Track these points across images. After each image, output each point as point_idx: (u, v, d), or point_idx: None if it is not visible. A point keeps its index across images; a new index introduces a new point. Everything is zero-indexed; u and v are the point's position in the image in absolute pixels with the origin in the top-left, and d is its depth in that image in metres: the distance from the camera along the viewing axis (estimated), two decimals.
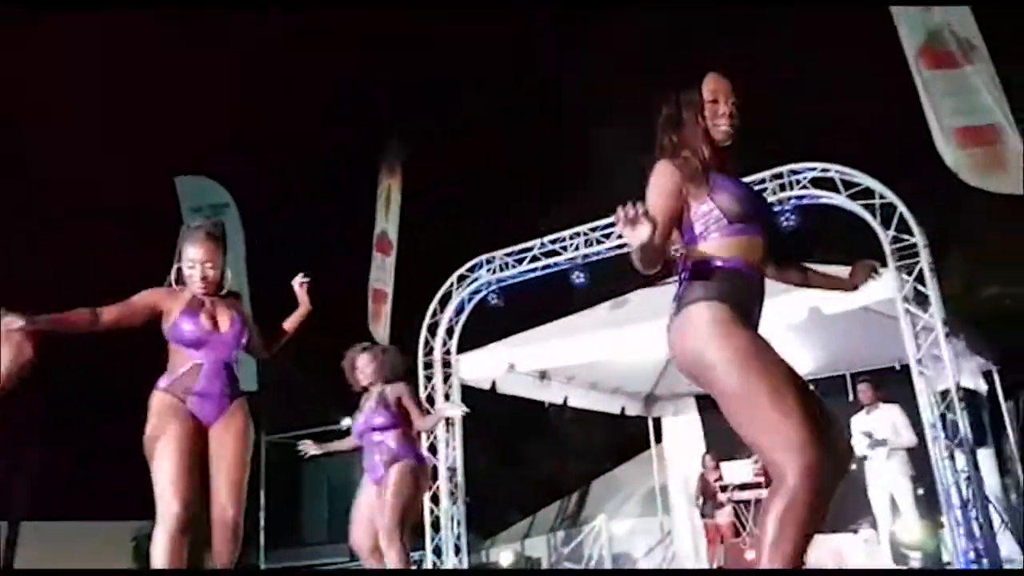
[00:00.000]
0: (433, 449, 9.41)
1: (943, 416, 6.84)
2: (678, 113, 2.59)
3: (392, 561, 4.69)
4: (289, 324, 3.96)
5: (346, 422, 12.40)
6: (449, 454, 9.38)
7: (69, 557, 15.74)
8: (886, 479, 7.56)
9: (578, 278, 8.89)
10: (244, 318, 3.62)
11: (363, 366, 5.12)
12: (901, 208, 7.15)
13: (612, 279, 10.87)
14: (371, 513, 4.91)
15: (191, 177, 12.33)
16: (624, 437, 14.11)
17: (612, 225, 8.71)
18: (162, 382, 3.45)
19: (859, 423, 7.81)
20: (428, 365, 9.61)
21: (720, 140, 2.58)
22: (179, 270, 3.56)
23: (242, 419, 3.49)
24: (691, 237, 2.51)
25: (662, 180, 2.48)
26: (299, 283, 4.03)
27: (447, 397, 9.51)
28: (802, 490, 2.18)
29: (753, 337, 2.35)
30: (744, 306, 2.40)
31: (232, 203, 12.78)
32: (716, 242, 2.46)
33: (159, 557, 3.15)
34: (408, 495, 4.81)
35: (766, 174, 7.86)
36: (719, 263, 2.44)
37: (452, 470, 9.35)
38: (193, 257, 3.52)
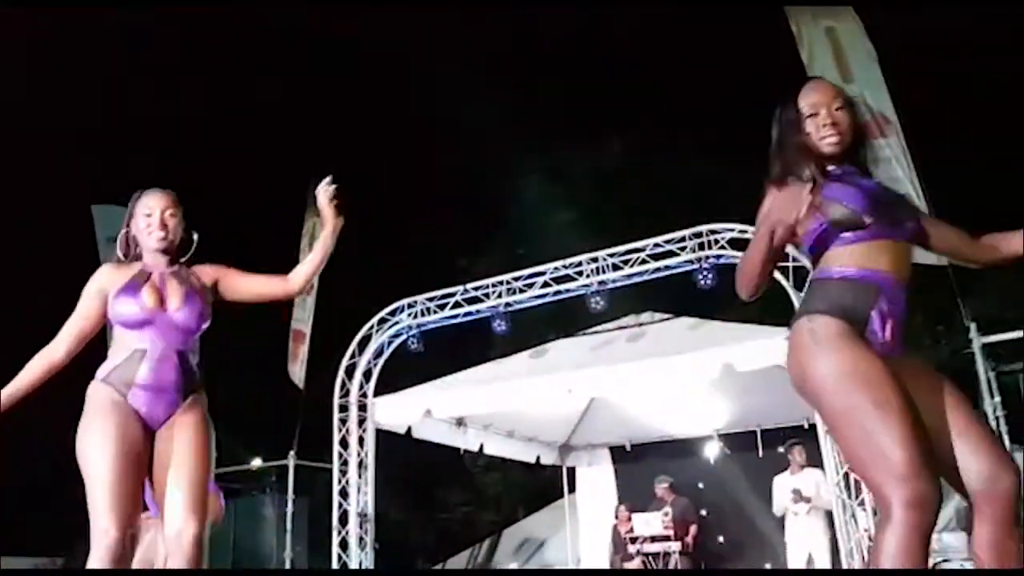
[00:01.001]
0: (344, 493, 9.24)
1: (847, 475, 7.05)
2: (780, 134, 2.43)
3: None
4: (320, 247, 3.08)
5: (256, 462, 12.10)
6: (360, 499, 9.22)
7: None
8: (806, 537, 7.78)
9: (499, 326, 8.92)
10: (202, 289, 2.95)
11: None
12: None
13: (533, 328, 10.97)
14: None
15: (107, 206, 11.95)
16: (538, 486, 14.07)
17: (535, 275, 8.80)
18: (100, 371, 2.83)
19: (786, 482, 8.06)
20: (344, 408, 9.47)
21: (829, 152, 2.38)
22: (128, 237, 2.99)
23: (199, 417, 2.83)
24: (810, 248, 2.37)
25: (767, 207, 2.35)
26: (325, 190, 3.09)
27: (361, 441, 9.37)
28: (908, 524, 2.01)
29: (864, 355, 2.17)
30: (861, 316, 2.23)
31: None
32: (836, 251, 2.30)
33: None
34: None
35: (686, 232, 8.07)
36: (837, 272, 2.29)
37: (363, 515, 9.18)
38: (152, 204, 2.93)
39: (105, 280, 2.90)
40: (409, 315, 9.36)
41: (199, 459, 2.75)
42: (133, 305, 2.82)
